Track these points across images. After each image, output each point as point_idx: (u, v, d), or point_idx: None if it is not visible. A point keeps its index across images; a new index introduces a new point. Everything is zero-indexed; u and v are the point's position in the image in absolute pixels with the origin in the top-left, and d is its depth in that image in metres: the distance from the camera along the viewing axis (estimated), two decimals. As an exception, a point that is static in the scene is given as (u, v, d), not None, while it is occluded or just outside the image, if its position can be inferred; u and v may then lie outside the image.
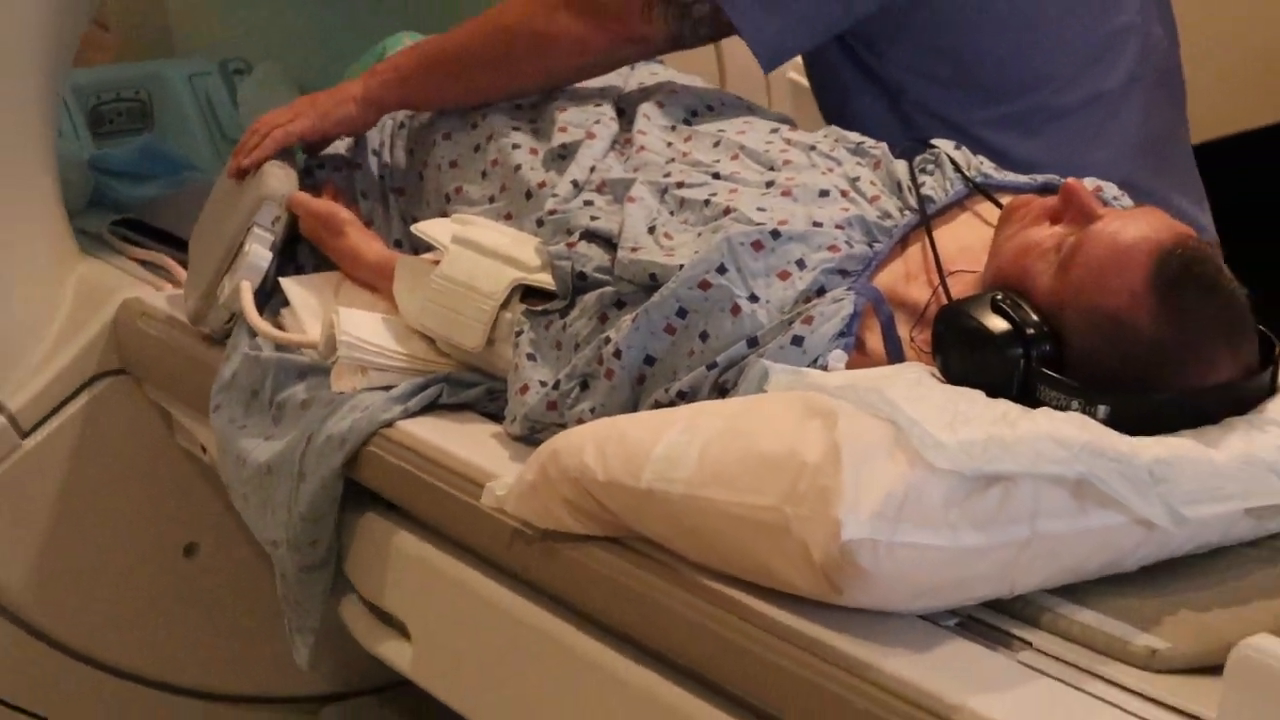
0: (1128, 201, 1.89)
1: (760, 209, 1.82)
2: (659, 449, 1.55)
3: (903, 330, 1.75)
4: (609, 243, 1.87)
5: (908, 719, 1.35)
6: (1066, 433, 1.47)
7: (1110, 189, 1.89)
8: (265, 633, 2.49)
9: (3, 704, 2.47)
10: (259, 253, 2.14)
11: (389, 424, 1.92)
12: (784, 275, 1.75)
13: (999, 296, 1.63)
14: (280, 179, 2.20)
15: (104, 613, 2.51)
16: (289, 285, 2.14)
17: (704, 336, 1.73)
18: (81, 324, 2.42)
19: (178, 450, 2.44)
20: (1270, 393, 1.64)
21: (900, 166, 1.91)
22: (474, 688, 1.80)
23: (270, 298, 2.17)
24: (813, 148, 1.96)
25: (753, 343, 1.71)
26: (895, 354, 1.74)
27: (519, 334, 1.88)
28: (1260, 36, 3.65)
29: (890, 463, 1.42)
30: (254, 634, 2.56)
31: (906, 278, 1.79)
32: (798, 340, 1.70)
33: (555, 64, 2.15)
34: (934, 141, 1.93)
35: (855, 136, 1.99)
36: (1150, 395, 1.58)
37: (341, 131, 2.25)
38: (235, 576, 2.55)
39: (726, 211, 1.83)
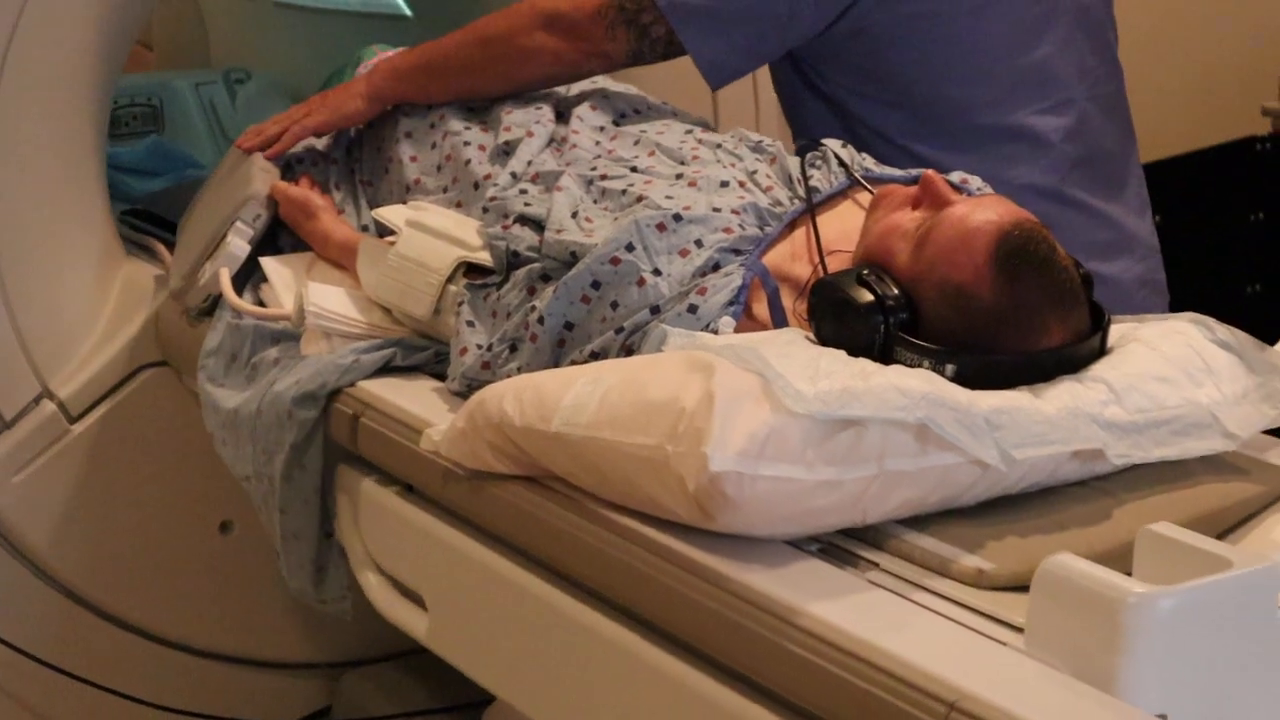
0: (989, 189, 1.96)
1: (668, 197, 1.89)
2: (567, 398, 1.62)
3: (787, 301, 1.82)
4: (539, 226, 1.94)
5: (758, 622, 1.42)
6: (911, 385, 1.53)
7: (975, 181, 1.96)
8: (291, 603, 2.51)
9: (54, 669, 2.50)
10: (238, 245, 2.21)
11: (347, 371, 2.00)
12: (684, 253, 1.82)
13: (865, 271, 1.69)
14: (264, 181, 2.27)
15: (146, 584, 2.53)
16: (267, 263, 2.22)
17: (614, 305, 1.81)
18: (126, 320, 2.44)
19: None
20: (1099, 355, 1.71)
21: (793, 162, 1.98)
22: (487, 655, 1.81)
23: (251, 274, 2.25)
24: (719, 145, 2.03)
25: (655, 310, 1.78)
26: (780, 322, 1.81)
27: (461, 304, 1.96)
28: (1201, 62, 3.62)
29: (755, 408, 1.48)
30: (281, 604, 2.57)
31: (792, 257, 1.86)
32: (693, 308, 1.77)
33: (531, 72, 2.22)
34: (823, 141, 2.00)
35: (756, 136, 2.06)
36: (991, 356, 1.64)
37: (350, 124, 2.34)
38: (266, 552, 2.43)
39: (639, 199, 1.90)
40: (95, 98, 2.42)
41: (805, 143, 2.02)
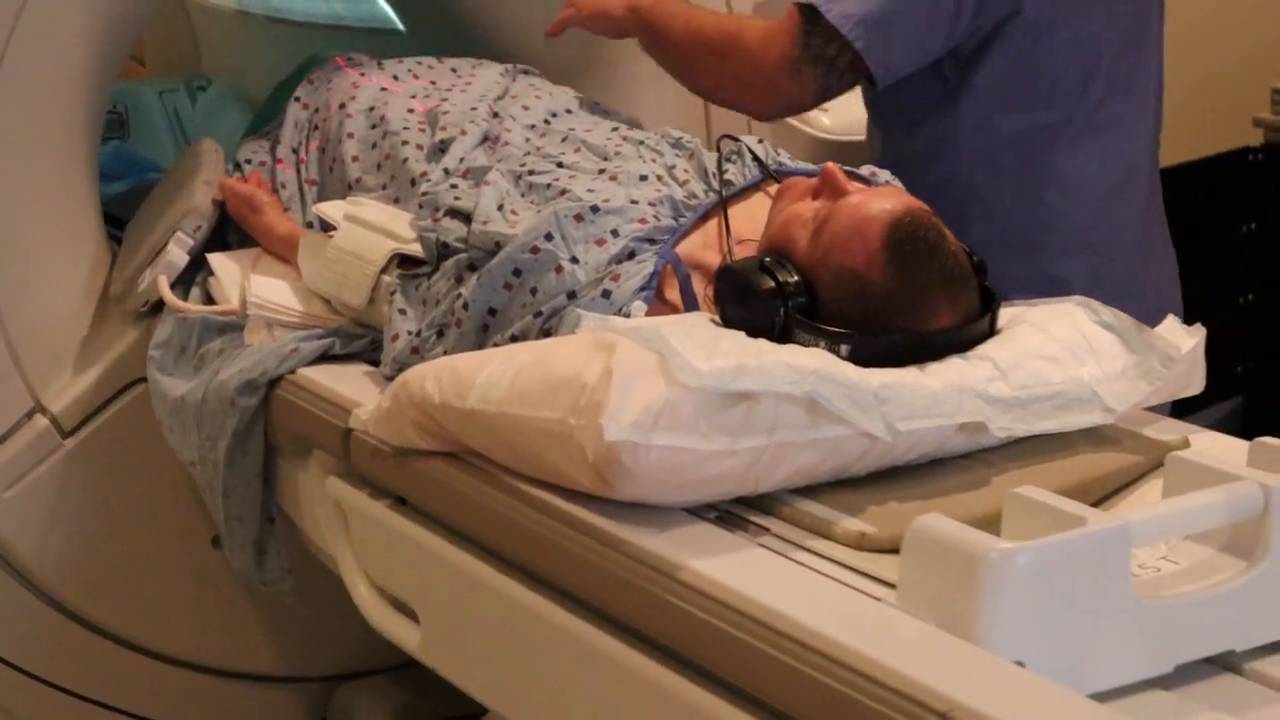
0: (898, 183, 2.04)
1: (590, 190, 1.98)
2: (482, 376, 1.69)
3: (698, 288, 1.90)
4: (467, 218, 2.02)
5: (647, 579, 1.50)
6: (802, 362, 1.61)
7: (883, 175, 2.05)
8: (283, 617, 2.55)
9: (46, 684, 2.47)
10: (178, 254, 2.29)
11: (286, 359, 2.07)
12: (600, 242, 1.90)
13: (767, 259, 1.78)
14: (205, 194, 2.35)
15: (139, 599, 2.50)
16: (214, 259, 2.30)
17: (534, 291, 1.89)
18: (119, 334, 2.42)
19: None
20: (989, 336, 1.79)
21: (710, 157, 2.07)
22: (479, 668, 1.79)
23: (199, 269, 2.33)
24: (642, 142, 2.12)
25: (571, 295, 1.86)
26: (691, 306, 1.89)
27: (393, 293, 2.04)
28: (1193, 73, 3.55)
29: (651, 383, 1.56)
30: (272, 618, 2.58)
31: (704, 246, 1.94)
32: (607, 294, 1.85)
33: (720, 95, 2.33)
34: (741, 137, 2.09)
35: (677, 134, 2.15)
36: (883, 336, 1.72)
37: (596, 24, 2.40)
38: None
39: (562, 193, 1.99)
40: (88, 112, 2.42)
41: (723, 137, 2.10)
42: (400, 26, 3.11)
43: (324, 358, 2.11)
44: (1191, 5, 3.47)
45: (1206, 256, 3.30)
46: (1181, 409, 2.08)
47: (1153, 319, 1.84)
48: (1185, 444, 1.75)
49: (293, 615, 2.53)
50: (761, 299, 1.74)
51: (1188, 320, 1.85)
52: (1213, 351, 3.13)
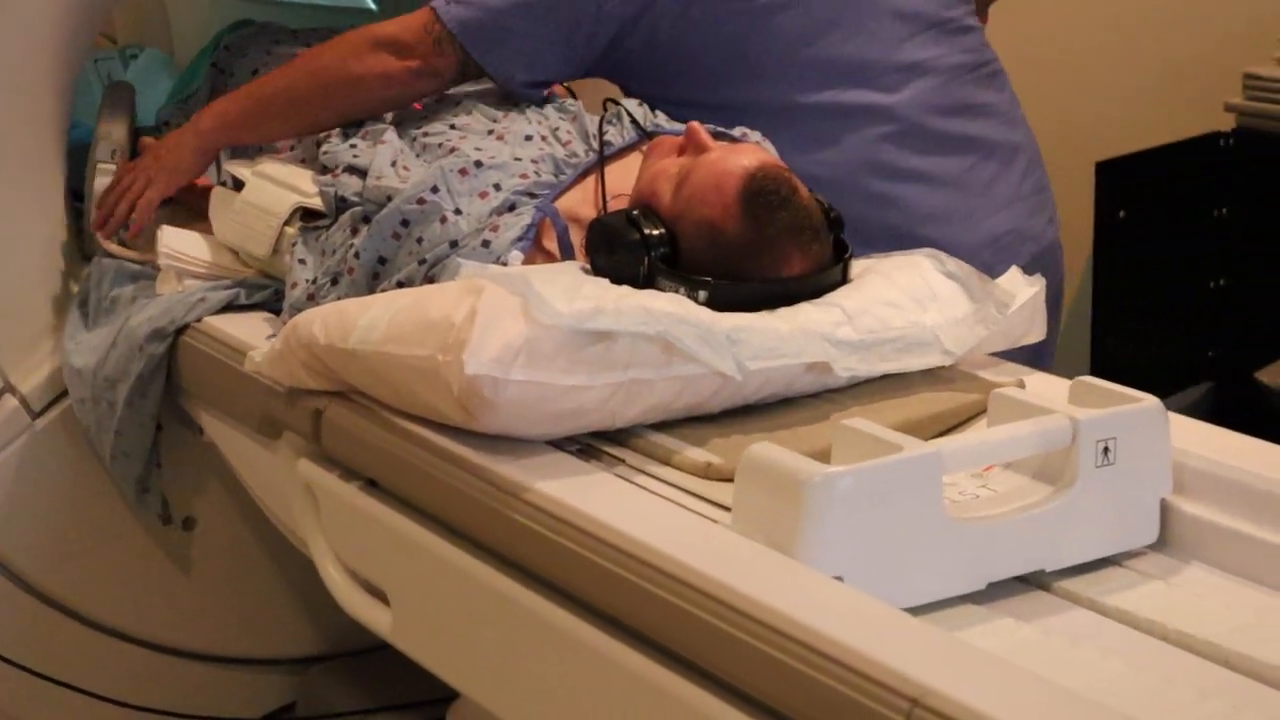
0: (768, 144, 2.12)
1: (477, 149, 2.06)
2: (363, 319, 1.77)
3: (576, 240, 1.98)
4: (364, 174, 2.10)
5: (502, 504, 1.59)
6: (658, 306, 1.70)
7: (754, 135, 2.12)
8: (256, 599, 2.55)
9: (17, 666, 2.44)
10: (101, 183, 2.37)
11: (194, 307, 2.15)
12: (483, 195, 1.98)
13: (634, 212, 1.86)
14: (121, 129, 2.42)
15: (110, 581, 2.46)
16: None
17: (420, 240, 1.97)
18: None
19: (177, 429, 2.35)
20: (841, 284, 1.88)
21: (591, 119, 2.15)
22: (450, 651, 1.77)
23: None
24: (532, 106, 2.20)
25: (454, 245, 1.94)
26: (568, 257, 1.97)
27: (294, 244, 2.12)
28: (1165, 58, 3.54)
29: (513, 322, 1.64)
30: (245, 600, 2.56)
31: (582, 201, 2.02)
32: (486, 243, 1.94)
33: (366, 99, 2.21)
34: (621, 101, 2.17)
35: (564, 98, 2.24)
36: (738, 283, 1.81)
37: (187, 181, 2.31)
38: (229, 548, 2.53)
39: (452, 151, 2.07)
40: (57, 91, 2.39)
41: (606, 100, 2.18)
42: (372, 5, 3.12)
43: (230, 307, 2.18)
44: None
45: (1177, 241, 3.32)
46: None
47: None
48: (1020, 385, 1.83)
49: (263, 597, 2.55)
50: (627, 249, 1.83)
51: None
52: (1183, 336, 3.19)
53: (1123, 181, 3.19)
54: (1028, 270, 1.99)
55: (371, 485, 1.81)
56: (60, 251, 2.40)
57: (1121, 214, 3.21)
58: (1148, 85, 3.52)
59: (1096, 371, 3.23)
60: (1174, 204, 3.31)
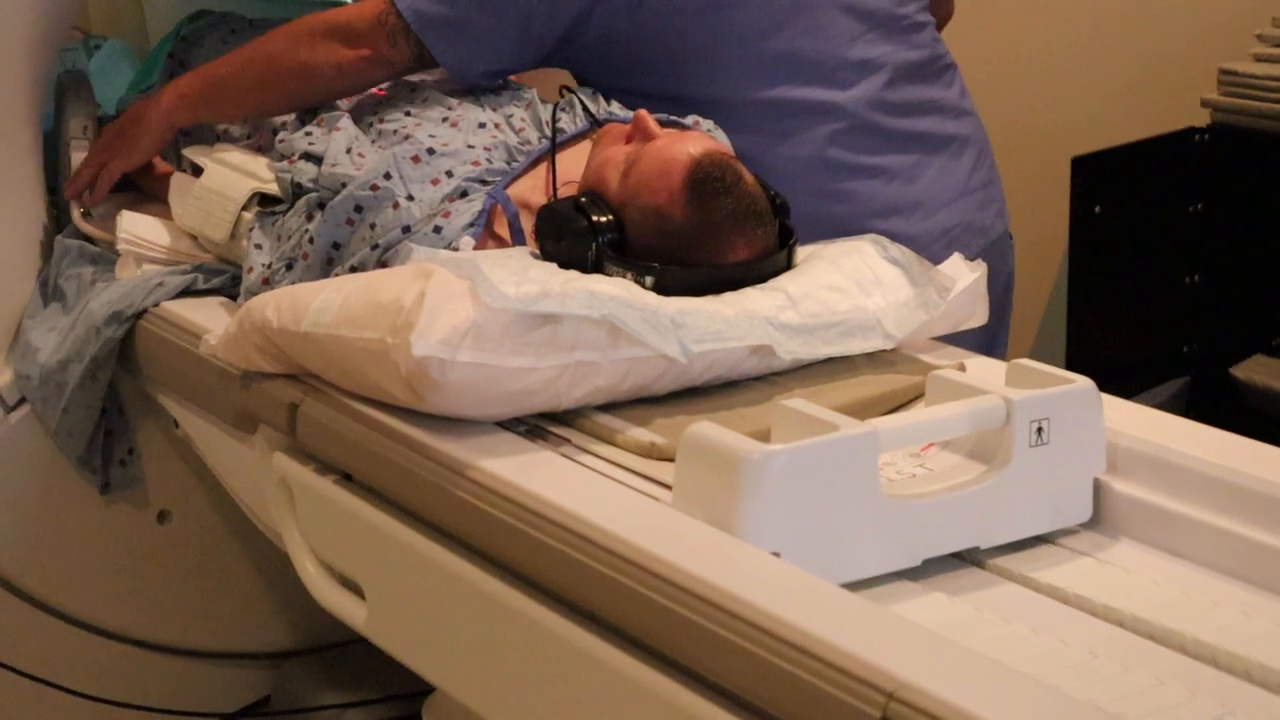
0: (720, 133, 2.14)
1: (431, 135, 2.08)
2: (315, 302, 1.79)
3: (527, 226, 2.00)
4: (319, 161, 2.12)
5: (449, 481, 1.61)
6: (603, 289, 1.72)
7: (706, 123, 2.14)
8: (231, 593, 2.53)
9: None
10: (78, 158, 2.39)
11: (152, 292, 2.16)
12: (435, 181, 2.00)
13: (583, 199, 1.88)
14: (90, 109, 2.45)
15: (84, 575, 2.44)
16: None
17: (373, 226, 1.98)
18: None
19: (152, 424, 2.38)
20: (785, 269, 1.90)
21: (545, 108, 2.17)
22: (425, 645, 1.76)
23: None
24: (486, 94, 2.22)
25: (406, 230, 1.96)
26: (519, 243, 1.99)
27: (251, 230, 2.14)
28: (1140, 53, 3.52)
29: (460, 305, 1.65)
30: (220, 594, 2.54)
31: (534, 188, 2.04)
32: (438, 229, 1.95)
33: (318, 86, 2.20)
34: (574, 89, 2.19)
35: (518, 86, 2.25)
36: (684, 269, 1.83)
37: (147, 158, 2.33)
38: (203, 542, 2.51)
39: (406, 138, 2.09)
40: (31, 82, 2.37)
41: (562, 88, 2.20)
42: None
43: (188, 292, 2.19)
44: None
45: (1153, 236, 3.31)
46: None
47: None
48: (960, 368, 1.85)
49: (238, 591, 2.54)
50: (576, 235, 1.85)
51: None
52: (1159, 331, 3.18)
53: (1098, 176, 3.17)
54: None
55: (346, 479, 1.80)
56: (37, 248, 2.40)
57: (1097, 209, 3.20)
58: (1123, 80, 3.51)
59: (1073, 366, 3.20)
60: (1150, 199, 3.31)
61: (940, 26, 2.45)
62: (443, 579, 1.65)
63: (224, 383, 1.97)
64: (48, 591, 2.43)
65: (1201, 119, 3.31)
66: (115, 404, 2.31)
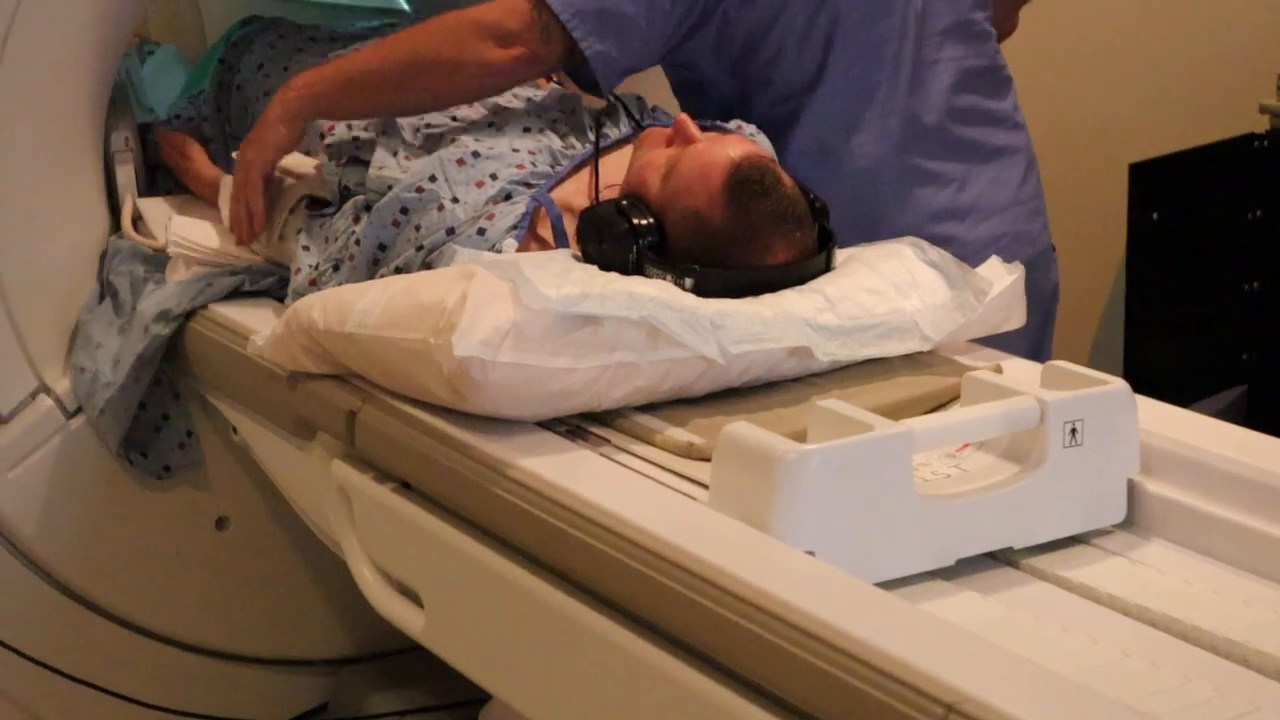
0: (763, 138, 2.16)
1: (476, 139, 2.10)
2: (360, 303, 1.82)
3: (570, 228, 2.02)
4: (367, 164, 2.14)
5: (486, 479, 1.64)
6: (643, 291, 1.74)
7: (749, 128, 2.17)
8: (288, 600, 2.53)
9: (47, 668, 2.42)
10: (124, 172, 2.44)
11: (200, 292, 2.20)
12: (480, 184, 2.03)
13: (624, 202, 1.91)
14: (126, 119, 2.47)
15: (142, 580, 2.44)
16: (143, 203, 2.43)
17: (418, 228, 2.01)
18: None
19: (210, 430, 2.39)
20: (824, 272, 1.92)
21: (588, 113, 2.20)
22: (482, 653, 1.75)
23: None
24: (530, 98, 2.25)
25: (450, 232, 1.99)
26: (562, 245, 2.01)
27: (299, 231, 2.17)
28: (1199, 59, 3.51)
29: (502, 306, 1.68)
30: (278, 601, 2.54)
31: (577, 192, 2.06)
32: (481, 231, 1.98)
33: (464, 85, 2.13)
34: (619, 95, 2.21)
35: (562, 91, 2.28)
36: (724, 271, 1.85)
37: (283, 155, 2.23)
38: (261, 548, 2.51)
39: (452, 142, 2.12)
40: (93, 91, 2.37)
41: (611, 95, 2.21)
42: (405, 6, 3.09)
43: (236, 294, 2.23)
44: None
45: (1212, 243, 3.30)
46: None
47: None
48: (997, 370, 1.87)
49: (295, 598, 2.54)
50: (617, 237, 1.87)
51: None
52: (1217, 339, 3.15)
53: (1156, 183, 3.15)
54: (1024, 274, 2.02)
55: (405, 487, 1.80)
56: (98, 258, 2.39)
57: (1155, 216, 3.18)
58: (1181, 86, 3.50)
59: (1130, 374, 3.15)
60: (1208, 206, 3.29)
61: (1000, 40, 2.45)
62: (499, 586, 1.66)
63: (281, 389, 1.98)
64: (106, 597, 2.43)
65: (1260, 125, 3.29)
66: (171, 391, 2.33)
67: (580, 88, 2.23)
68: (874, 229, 2.05)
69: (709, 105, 2.28)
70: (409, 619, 1.82)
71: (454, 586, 1.76)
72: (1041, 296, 2.31)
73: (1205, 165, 3.25)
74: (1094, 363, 2.32)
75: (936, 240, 2.03)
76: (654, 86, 2.36)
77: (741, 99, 2.26)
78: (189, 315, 2.22)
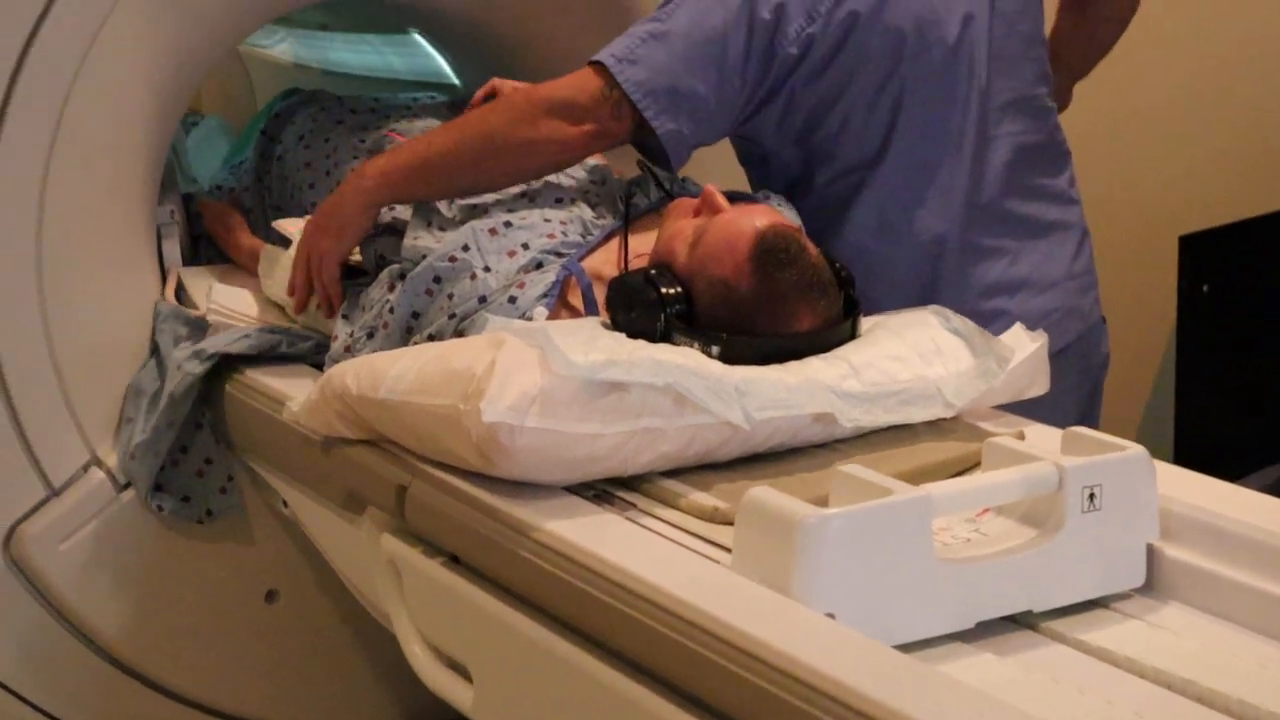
0: (789, 208, 2.19)
1: (509, 209, 2.15)
2: (393, 370, 1.85)
3: (600, 297, 2.06)
4: (401, 234, 2.19)
5: (515, 543, 1.67)
6: (669, 358, 1.77)
7: (776, 197, 2.20)
8: (338, 673, 2.54)
9: None
10: (169, 245, 2.49)
11: (237, 340, 2.24)
12: (511, 253, 2.07)
13: (652, 271, 1.94)
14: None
15: (192, 653, 2.45)
16: (184, 271, 2.49)
17: (450, 296, 2.05)
18: None
19: (260, 503, 2.42)
20: (849, 339, 1.95)
21: (619, 183, 2.24)
22: None
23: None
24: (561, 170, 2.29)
25: (482, 300, 2.02)
26: (592, 313, 2.05)
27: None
28: (1255, 128, 3.51)
29: (530, 373, 1.71)
30: (328, 674, 2.55)
31: (607, 261, 2.10)
32: (513, 299, 2.02)
33: (538, 162, 2.16)
34: (649, 165, 2.25)
35: (594, 161, 2.32)
36: (750, 338, 1.88)
37: (356, 242, 2.24)
38: (311, 621, 2.53)
39: (485, 212, 2.16)
40: (149, 162, 2.41)
41: (639, 162, 2.26)
42: (456, 80, 3.13)
43: (273, 356, 2.27)
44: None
45: (1263, 316, 3.29)
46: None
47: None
48: (1019, 436, 1.89)
49: (345, 671, 2.55)
50: (645, 306, 1.90)
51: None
52: (1269, 412, 3.10)
53: (1207, 255, 3.15)
54: (1074, 348, 2.03)
55: (454, 561, 1.81)
56: (149, 326, 2.41)
57: (1205, 288, 3.17)
58: (1232, 157, 3.50)
59: (1180, 447, 3.12)
60: (1259, 278, 3.29)
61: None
62: (546, 661, 1.65)
63: (329, 462, 1.99)
64: (158, 670, 2.44)
65: (1313, 197, 3.27)
66: (212, 437, 2.35)
67: (649, 160, 2.26)
68: (928, 303, 2.07)
69: (774, 178, 2.32)
70: (458, 693, 1.82)
71: (503, 662, 1.76)
72: (1091, 367, 2.32)
73: (1256, 237, 3.25)
74: (1143, 435, 2.31)
75: (988, 315, 2.04)
76: (717, 156, 2.40)
77: (805, 172, 2.28)
78: (226, 370, 2.25)
